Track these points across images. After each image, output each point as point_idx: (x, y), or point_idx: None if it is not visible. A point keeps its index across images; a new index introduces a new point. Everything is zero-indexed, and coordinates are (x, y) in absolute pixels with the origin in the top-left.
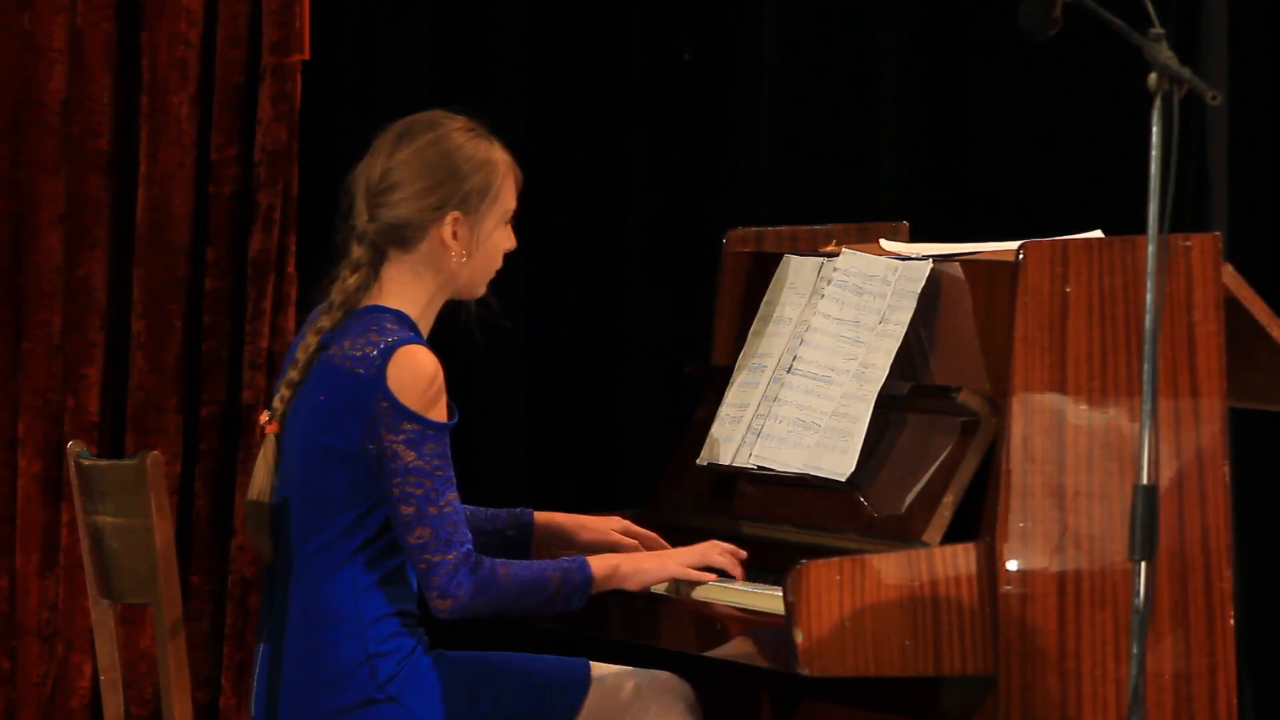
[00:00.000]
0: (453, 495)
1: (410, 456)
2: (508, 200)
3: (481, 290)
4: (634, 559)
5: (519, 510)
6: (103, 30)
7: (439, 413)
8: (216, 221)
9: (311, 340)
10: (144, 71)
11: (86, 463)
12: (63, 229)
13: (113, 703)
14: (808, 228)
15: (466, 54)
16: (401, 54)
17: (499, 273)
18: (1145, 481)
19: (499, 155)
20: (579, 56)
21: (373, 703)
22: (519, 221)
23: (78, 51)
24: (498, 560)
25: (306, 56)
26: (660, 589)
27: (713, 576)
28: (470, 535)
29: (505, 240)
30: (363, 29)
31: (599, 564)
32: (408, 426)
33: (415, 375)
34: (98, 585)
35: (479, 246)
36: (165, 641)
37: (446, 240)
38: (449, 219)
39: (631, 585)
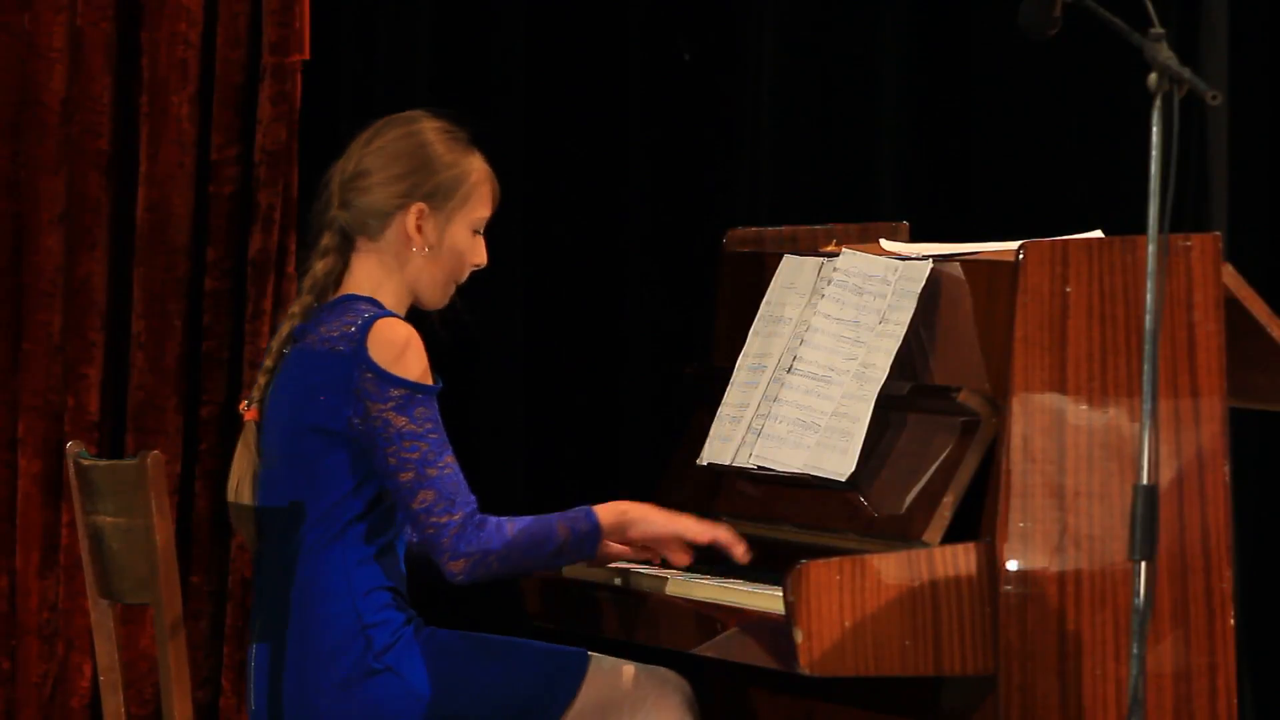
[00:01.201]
0: (450, 457)
1: (401, 422)
2: (479, 208)
3: (443, 300)
4: (643, 508)
5: None
6: (103, 30)
7: (424, 377)
8: (216, 221)
9: (285, 329)
10: (144, 71)
11: (86, 463)
12: (63, 229)
13: (113, 703)
14: (808, 228)
15: (466, 54)
16: (401, 54)
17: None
18: (1145, 481)
19: (476, 162)
20: (579, 56)
21: (371, 673)
22: (518, 224)
23: (78, 51)
24: (503, 517)
25: (306, 56)
26: (656, 587)
27: (721, 535)
28: (473, 497)
29: (473, 252)
30: (363, 29)
31: (606, 511)
32: (395, 392)
33: (395, 343)
34: (98, 585)
35: (443, 246)
36: (165, 641)
37: (410, 231)
38: (414, 209)
39: (636, 533)
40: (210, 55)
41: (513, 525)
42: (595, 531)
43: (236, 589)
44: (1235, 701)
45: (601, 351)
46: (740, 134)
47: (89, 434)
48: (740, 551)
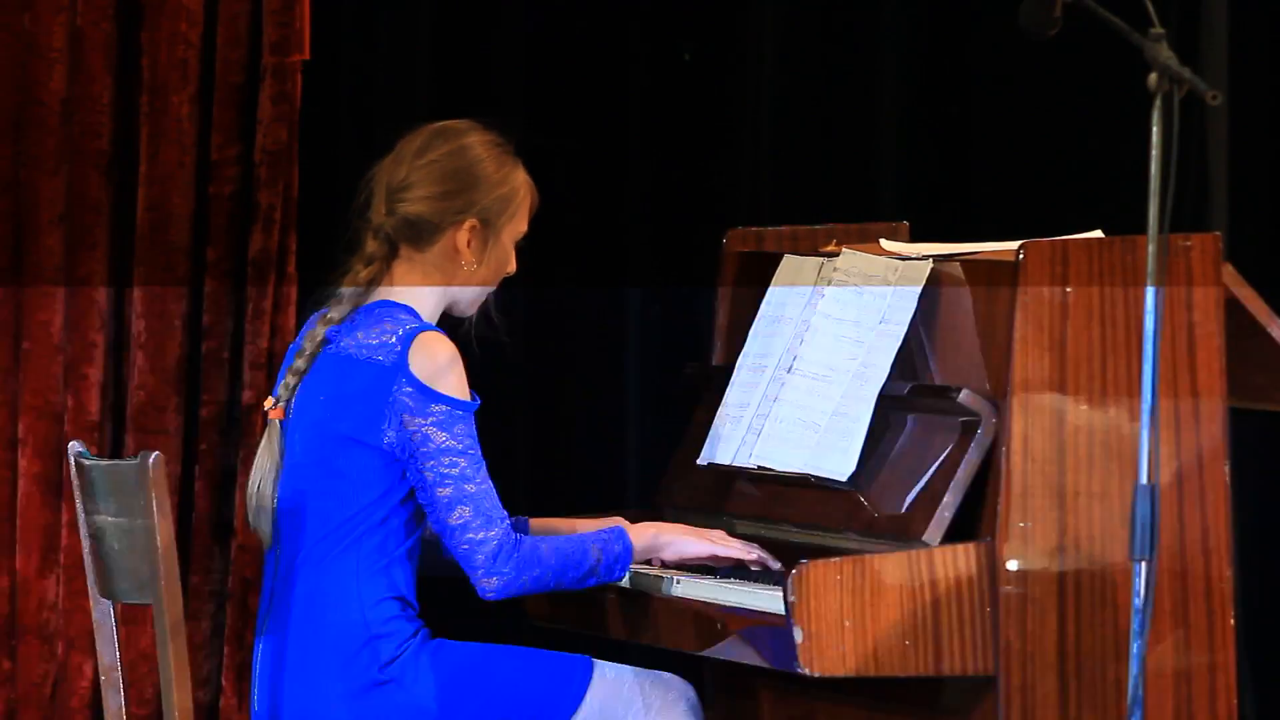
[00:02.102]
0: (486, 473)
1: (442, 438)
2: (522, 223)
3: (473, 309)
4: (673, 530)
5: (515, 519)
6: (103, 30)
7: (463, 393)
8: (216, 221)
9: (320, 330)
10: (144, 71)
11: (87, 463)
12: (63, 229)
13: (113, 703)
14: (808, 228)
15: (467, 54)
16: (401, 54)
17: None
18: (1145, 481)
19: (523, 177)
20: (579, 56)
21: (376, 684)
22: None
23: (78, 51)
24: (537, 537)
25: (306, 56)
26: (657, 587)
27: (753, 557)
28: (506, 513)
29: (508, 262)
30: (363, 29)
31: (637, 533)
32: (437, 408)
33: (438, 359)
34: (98, 585)
35: (487, 259)
36: (166, 641)
37: (460, 246)
38: (468, 225)
39: (670, 555)
40: (210, 55)
41: (547, 546)
42: (626, 554)
43: (236, 589)
44: (1235, 701)
45: (602, 351)
46: (740, 134)
47: (89, 434)
48: (777, 566)
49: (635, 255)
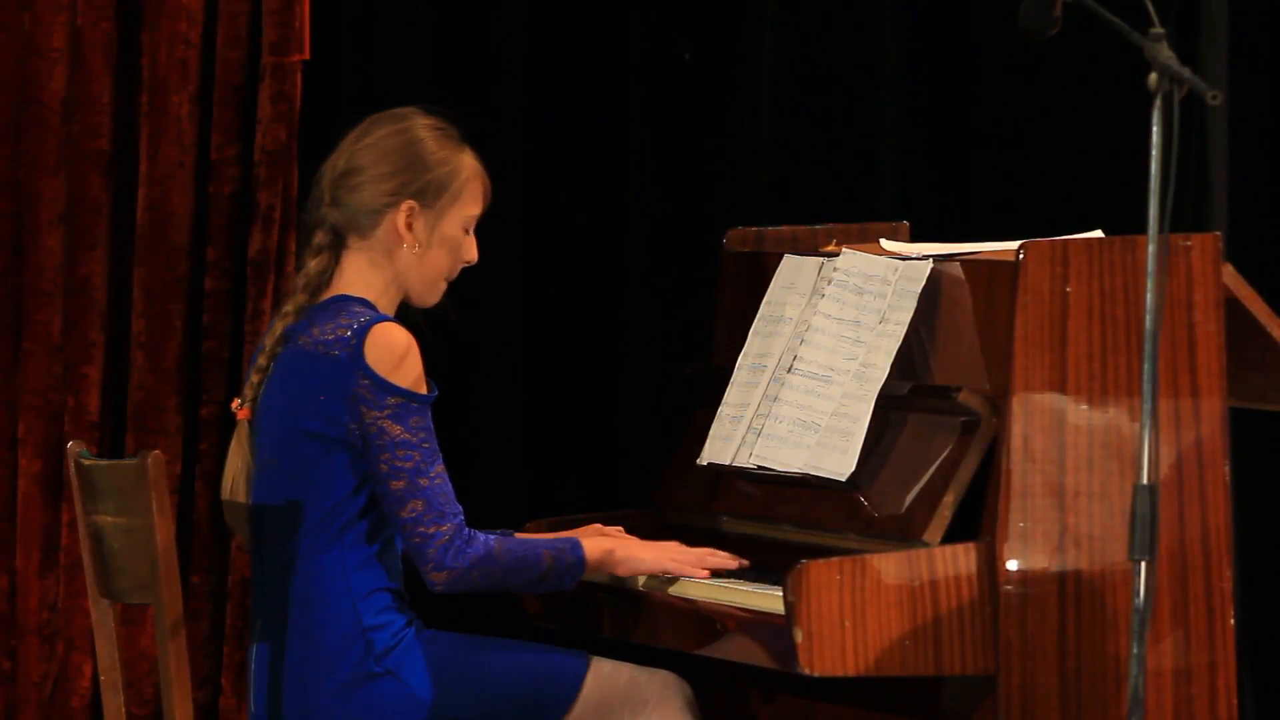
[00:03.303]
0: (440, 467)
1: (397, 430)
2: (470, 205)
3: (434, 298)
4: (629, 545)
5: (501, 531)
6: (103, 30)
7: (419, 385)
8: (216, 221)
9: (278, 328)
10: (144, 71)
11: (87, 462)
12: (63, 229)
13: (113, 703)
14: (808, 228)
15: (466, 54)
16: (401, 54)
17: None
18: (1145, 481)
19: (466, 159)
20: (579, 56)
21: (371, 677)
22: (519, 224)
23: (78, 51)
24: (491, 535)
25: (306, 56)
26: (656, 587)
27: (704, 573)
28: (460, 507)
29: (465, 250)
30: (363, 29)
31: (592, 546)
32: (391, 401)
33: (392, 350)
34: (98, 585)
35: (433, 243)
36: (165, 641)
37: (400, 229)
38: (404, 207)
39: (623, 571)
40: (210, 55)
41: (500, 544)
42: (579, 565)
43: (236, 589)
44: (1235, 701)
45: (601, 351)
46: (740, 134)
47: (89, 434)
48: (734, 565)
49: (635, 255)
